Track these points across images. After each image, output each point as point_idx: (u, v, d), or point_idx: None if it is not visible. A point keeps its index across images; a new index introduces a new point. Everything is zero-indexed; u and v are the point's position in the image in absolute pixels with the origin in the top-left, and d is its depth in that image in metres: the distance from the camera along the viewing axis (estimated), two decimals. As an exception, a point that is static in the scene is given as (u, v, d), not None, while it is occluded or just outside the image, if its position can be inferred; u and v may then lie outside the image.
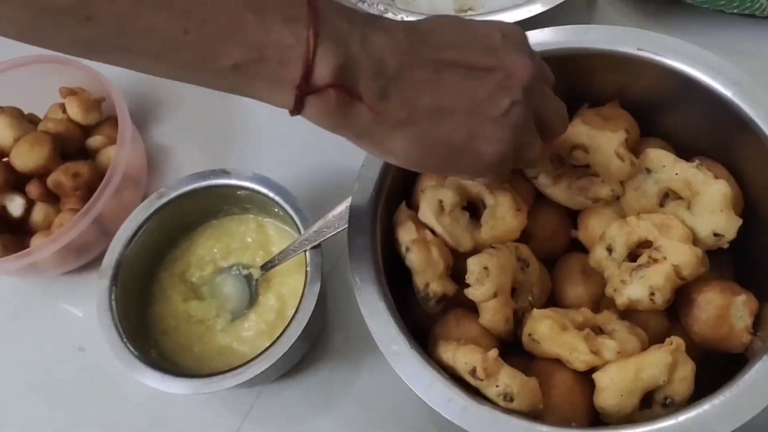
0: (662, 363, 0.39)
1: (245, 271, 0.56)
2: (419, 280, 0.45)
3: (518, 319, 0.46)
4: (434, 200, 0.46)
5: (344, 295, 0.59)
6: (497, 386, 0.40)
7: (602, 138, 0.46)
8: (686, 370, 0.40)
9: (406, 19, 0.57)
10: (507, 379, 0.40)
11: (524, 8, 0.57)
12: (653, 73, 0.49)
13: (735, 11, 0.63)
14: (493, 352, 0.41)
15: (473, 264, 0.44)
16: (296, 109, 0.34)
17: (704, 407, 0.37)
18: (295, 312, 0.50)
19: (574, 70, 0.51)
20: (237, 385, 0.48)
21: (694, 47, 0.48)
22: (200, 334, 0.55)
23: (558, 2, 0.57)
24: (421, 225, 0.47)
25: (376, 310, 0.43)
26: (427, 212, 0.46)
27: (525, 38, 0.39)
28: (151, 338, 0.55)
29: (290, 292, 0.55)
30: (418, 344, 0.43)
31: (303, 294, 0.51)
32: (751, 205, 0.48)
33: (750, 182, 0.48)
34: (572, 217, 0.51)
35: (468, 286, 0.44)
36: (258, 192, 0.55)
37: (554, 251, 0.51)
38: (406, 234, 0.46)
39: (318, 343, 0.57)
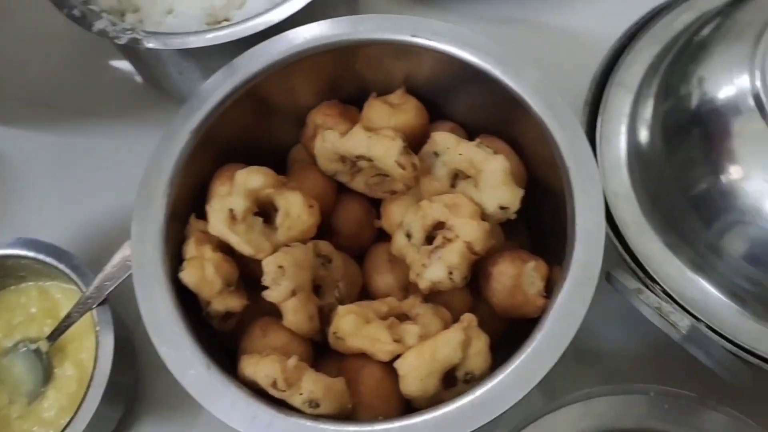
0: (455, 341, 0.39)
1: (33, 346, 0.50)
2: (201, 300, 0.43)
3: (326, 317, 0.44)
4: (224, 210, 0.43)
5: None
6: (301, 394, 0.38)
7: (380, 148, 0.45)
8: (480, 344, 0.40)
9: (151, 45, 0.52)
10: (310, 386, 0.38)
11: (282, 7, 0.52)
12: (431, 59, 0.49)
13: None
14: (293, 360, 0.39)
15: (267, 265, 0.42)
16: None
17: (499, 378, 0.36)
18: (91, 379, 0.46)
19: (358, 61, 0.50)
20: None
21: (464, 30, 0.48)
22: (-7, 428, 0.48)
23: None
24: (204, 241, 0.44)
25: (169, 337, 0.40)
26: (217, 224, 0.43)
27: None
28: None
29: (90, 356, 0.49)
30: (225, 366, 0.40)
31: (96, 356, 0.46)
32: (533, 176, 0.49)
33: (529, 155, 0.50)
34: (376, 208, 0.50)
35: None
36: (26, 257, 0.50)
37: (363, 244, 0.50)
38: (186, 252, 0.43)
39: (136, 400, 0.52)
